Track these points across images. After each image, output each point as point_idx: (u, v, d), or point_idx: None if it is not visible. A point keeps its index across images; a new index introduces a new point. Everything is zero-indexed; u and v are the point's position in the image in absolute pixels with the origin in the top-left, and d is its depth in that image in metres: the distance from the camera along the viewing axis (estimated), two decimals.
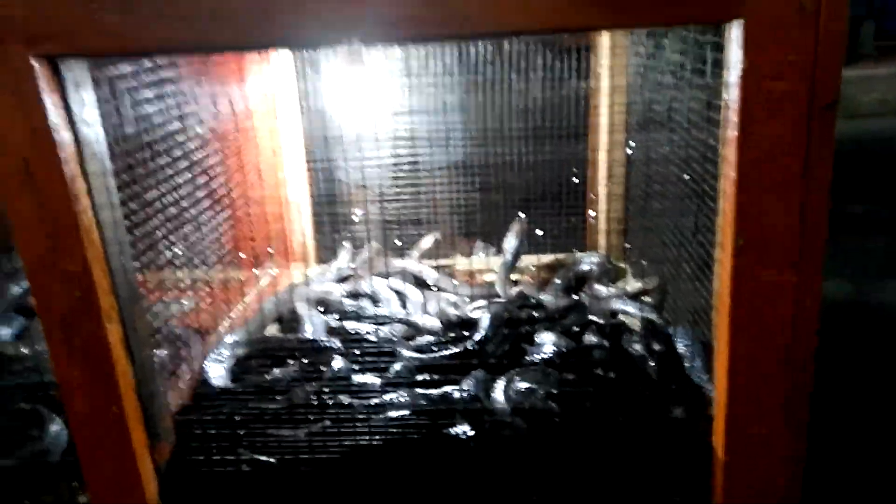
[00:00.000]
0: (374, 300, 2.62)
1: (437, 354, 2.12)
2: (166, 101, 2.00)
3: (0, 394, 2.03)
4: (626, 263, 2.86)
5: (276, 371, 2.09)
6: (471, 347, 2.14)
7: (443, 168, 2.85)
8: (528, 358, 2.09)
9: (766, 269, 1.45)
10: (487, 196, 2.82)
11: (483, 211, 2.84)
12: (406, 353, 2.15)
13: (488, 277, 2.87)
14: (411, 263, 2.87)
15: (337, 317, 2.49)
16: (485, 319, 2.25)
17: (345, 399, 1.88)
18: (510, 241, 2.76)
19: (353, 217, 2.92)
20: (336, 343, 2.21)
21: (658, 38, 2.27)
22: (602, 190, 2.83)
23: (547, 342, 2.14)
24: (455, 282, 2.78)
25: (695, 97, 1.97)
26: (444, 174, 2.84)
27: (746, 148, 1.40)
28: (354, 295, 2.69)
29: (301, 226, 3.00)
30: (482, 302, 2.55)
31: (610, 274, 2.73)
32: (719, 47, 1.47)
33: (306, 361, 2.11)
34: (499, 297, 2.62)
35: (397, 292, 2.66)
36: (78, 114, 1.45)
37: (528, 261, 2.91)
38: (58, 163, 1.43)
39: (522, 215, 2.76)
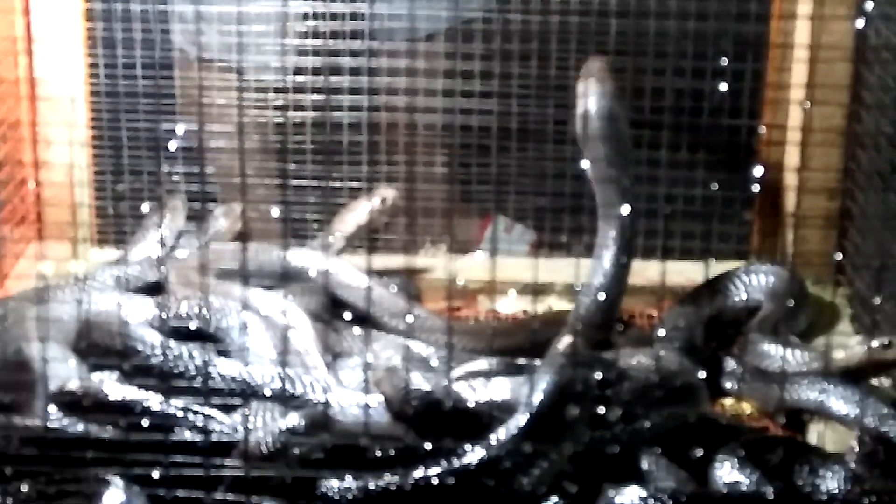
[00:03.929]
0: (211, 337, 1.60)
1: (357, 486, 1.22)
2: None
3: None
4: (843, 292, 1.82)
5: None
6: (439, 478, 1.19)
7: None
8: None
9: None
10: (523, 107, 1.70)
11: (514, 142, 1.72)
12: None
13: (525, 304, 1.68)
14: (317, 259, 1.76)
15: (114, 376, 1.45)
16: (531, 401, 1.28)
17: None
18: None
19: (174, 140, 1.67)
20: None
21: None
22: (794, 115, 1.66)
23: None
24: (422, 312, 1.71)
25: None
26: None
27: None
28: (173, 328, 1.58)
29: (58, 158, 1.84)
30: (495, 361, 1.47)
31: (798, 316, 1.74)
32: None
33: None
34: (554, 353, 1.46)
35: (267, 323, 1.60)
36: None
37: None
38: None
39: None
